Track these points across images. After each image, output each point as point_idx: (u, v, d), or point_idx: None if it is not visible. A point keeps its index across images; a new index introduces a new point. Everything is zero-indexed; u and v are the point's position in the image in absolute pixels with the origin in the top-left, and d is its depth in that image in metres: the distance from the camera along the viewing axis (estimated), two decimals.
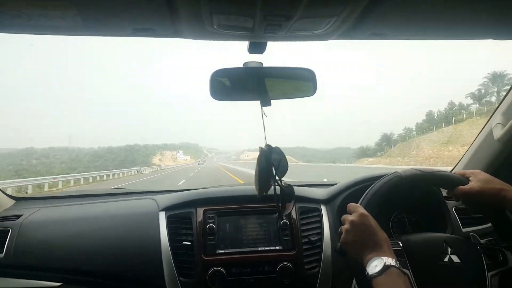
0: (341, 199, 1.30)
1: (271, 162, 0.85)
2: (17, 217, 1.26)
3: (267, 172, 0.88)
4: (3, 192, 1.43)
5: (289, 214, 1.24)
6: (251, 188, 1.31)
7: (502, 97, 1.26)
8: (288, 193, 0.94)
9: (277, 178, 0.86)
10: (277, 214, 1.23)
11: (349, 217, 0.85)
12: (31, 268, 1.13)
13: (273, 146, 0.88)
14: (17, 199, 1.49)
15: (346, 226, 0.84)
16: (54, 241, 1.18)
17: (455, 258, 0.85)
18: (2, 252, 1.13)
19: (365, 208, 0.87)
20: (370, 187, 0.95)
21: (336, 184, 1.42)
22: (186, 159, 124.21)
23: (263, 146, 0.86)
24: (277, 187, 0.87)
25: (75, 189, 12.99)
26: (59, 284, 1.12)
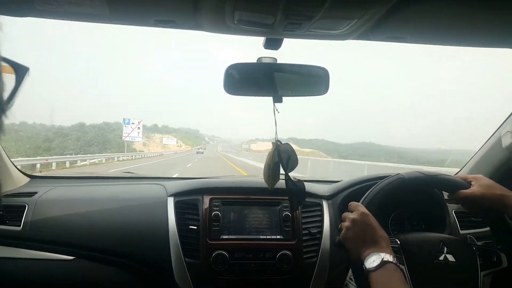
0: (343, 196, 1.43)
1: (281, 157, 0.96)
2: (32, 194, 1.41)
3: (278, 167, 1.01)
4: (19, 170, 1.59)
5: (292, 207, 1.36)
6: (256, 180, 1.44)
7: None
8: (300, 187, 1.07)
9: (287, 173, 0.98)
10: (292, 207, 1.32)
11: (350, 215, 0.94)
12: (46, 242, 1.28)
13: (283, 142, 1.00)
14: (31, 177, 1.65)
15: (347, 224, 0.93)
16: (67, 218, 1.32)
17: (450, 257, 0.96)
18: (20, 226, 1.29)
19: (366, 207, 0.96)
20: (373, 187, 1.05)
21: (339, 181, 1.56)
22: (180, 145, 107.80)
23: (273, 140, 0.97)
24: (288, 182, 1.01)
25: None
26: (72, 257, 1.28)
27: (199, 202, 1.36)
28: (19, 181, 1.57)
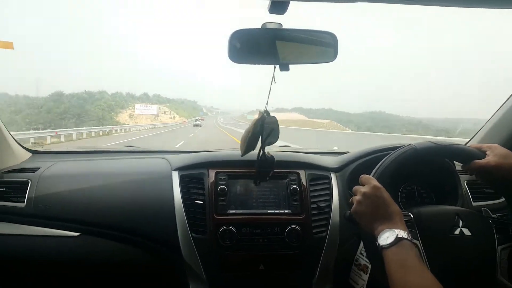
0: (352, 169, 1.42)
1: (264, 128, 0.98)
2: (35, 169, 1.42)
3: (257, 137, 1.01)
4: (20, 145, 1.62)
5: (299, 180, 1.37)
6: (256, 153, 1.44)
7: None
8: (269, 162, 1.13)
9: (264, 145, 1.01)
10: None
11: (361, 189, 0.93)
12: (50, 218, 1.31)
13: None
14: (33, 152, 1.68)
15: (358, 197, 0.92)
16: (71, 194, 1.34)
17: (466, 231, 0.95)
18: (24, 202, 1.32)
19: (378, 180, 0.94)
20: (384, 159, 1.02)
21: (347, 153, 1.55)
22: (173, 117, 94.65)
23: (262, 110, 0.98)
24: (261, 154, 1.04)
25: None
26: (77, 234, 1.30)
27: (204, 176, 1.37)
28: (21, 157, 1.59)
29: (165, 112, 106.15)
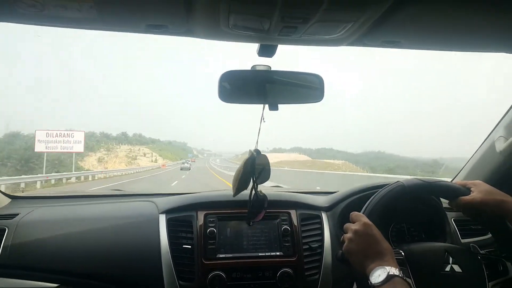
0: (342, 207, 1.46)
1: (254, 167, 1.02)
2: (13, 216, 1.38)
3: (249, 176, 1.05)
4: None
5: (290, 221, 1.38)
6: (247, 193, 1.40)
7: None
8: (261, 201, 1.15)
9: (255, 184, 1.05)
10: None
11: (352, 226, 0.95)
12: (27, 268, 1.25)
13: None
14: (12, 197, 1.63)
15: (349, 235, 0.94)
16: (51, 241, 1.30)
17: (456, 268, 0.98)
18: None
19: (368, 217, 0.98)
20: (373, 196, 1.07)
21: (337, 192, 1.60)
22: (154, 160, 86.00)
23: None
24: (253, 193, 1.08)
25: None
26: (56, 285, 1.24)
27: (193, 218, 1.36)
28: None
29: (145, 154, 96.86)
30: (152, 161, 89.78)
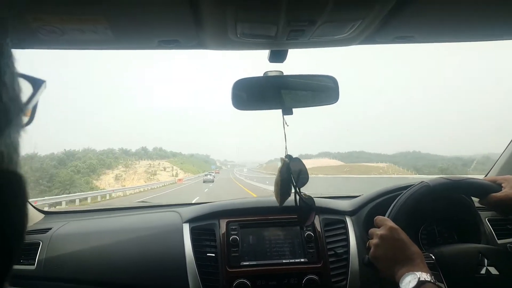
0: (367, 211, 1.45)
1: (291, 173, 1.02)
2: (46, 230, 1.48)
3: (288, 183, 1.05)
4: (33, 206, 1.72)
5: (314, 226, 1.38)
6: (272, 199, 1.41)
7: None
8: (309, 204, 1.12)
9: (297, 189, 1.05)
10: (299, 225, 1.38)
11: (377, 231, 0.94)
12: (60, 280, 1.33)
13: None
14: (46, 213, 1.75)
15: (375, 241, 0.93)
16: (82, 253, 1.38)
17: (493, 270, 0.95)
18: (34, 264, 1.34)
19: (393, 220, 0.97)
20: (397, 198, 1.06)
21: (360, 196, 1.60)
22: (175, 173, 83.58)
23: (283, 156, 1.03)
24: (298, 198, 1.07)
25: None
26: None
27: (215, 226, 1.40)
28: (33, 218, 1.65)
29: (165, 169, 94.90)
30: (172, 175, 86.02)
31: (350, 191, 1.91)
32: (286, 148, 1.05)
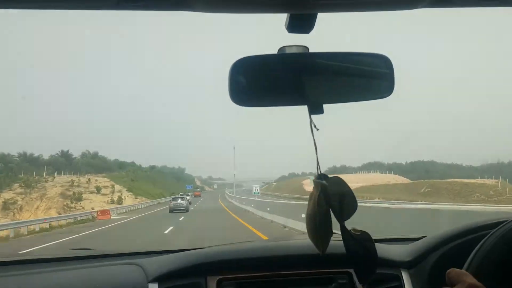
0: (433, 261, 1.56)
1: (330, 200, 1.06)
2: None
3: (328, 217, 1.10)
4: None
5: (352, 285, 1.49)
6: (286, 244, 1.54)
7: None
8: (367, 245, 1.15)
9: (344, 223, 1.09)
10: (362, 282, 1.38)
11: None
12: None
13: (330, 176, 1.08)
14: None
15: None
16: None
17: None
18: None
19: (475, 275, 1.03)
20: (482, 242, 1.14)
21: (422, 238, 1.75)
22: (110, 198, 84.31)
23: (313, 176, 1.09)
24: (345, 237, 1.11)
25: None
26: None
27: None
28: None
29: (99, 190, 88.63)
30: (111, 200, 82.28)
31: None
32: (318, 164, 1.10)
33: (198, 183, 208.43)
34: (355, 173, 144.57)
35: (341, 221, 1.09)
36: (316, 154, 1.09)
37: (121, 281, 1.57)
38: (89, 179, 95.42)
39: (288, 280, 1.46)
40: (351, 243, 1.10)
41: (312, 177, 1.17)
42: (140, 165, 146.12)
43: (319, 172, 1.08)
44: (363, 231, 1.12)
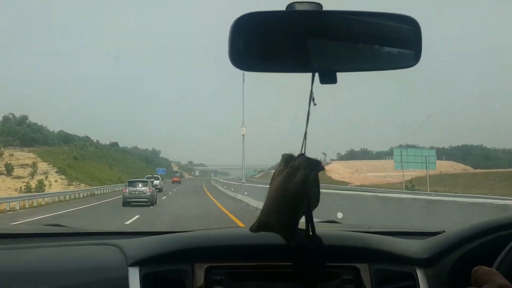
0: (456, 259, 1.68)
1: (309, 189, 1.15)
2: None
3: (300, 201, 1.21)
4: None
5: (360, 283, 1.60)
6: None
7: None
8: (319, 247, 1.28)
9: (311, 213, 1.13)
10: (336, 281, 1.68)
11: None
12: None
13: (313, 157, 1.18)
14: None
15: None
16: None
17: None
18: None
19: (505, 274, 1.09)
20: None
21: (441, 232, 1.84)
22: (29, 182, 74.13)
23: (289, 153, 1.16)
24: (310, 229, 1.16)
25: None
26: None
27: (186, 276, 1.59)
28: None
29: (11, 168, 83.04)
30: (26, 186, 74.69)
31: None
32: (304, 142, 1.21)
33: (176, 168, 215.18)
34: (380, 159, 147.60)
35: (309, 213, 1.20)
36: (306, 126, 1.21)
37: (98, 263, 1.70)
38: (1, 153, 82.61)
39: (284, 273, 1.61)
40: (311, 237, 1.22)
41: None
42: (97, 140, 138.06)
43: (303, 151, 1.20)
44: (331, 221, 1.09)
